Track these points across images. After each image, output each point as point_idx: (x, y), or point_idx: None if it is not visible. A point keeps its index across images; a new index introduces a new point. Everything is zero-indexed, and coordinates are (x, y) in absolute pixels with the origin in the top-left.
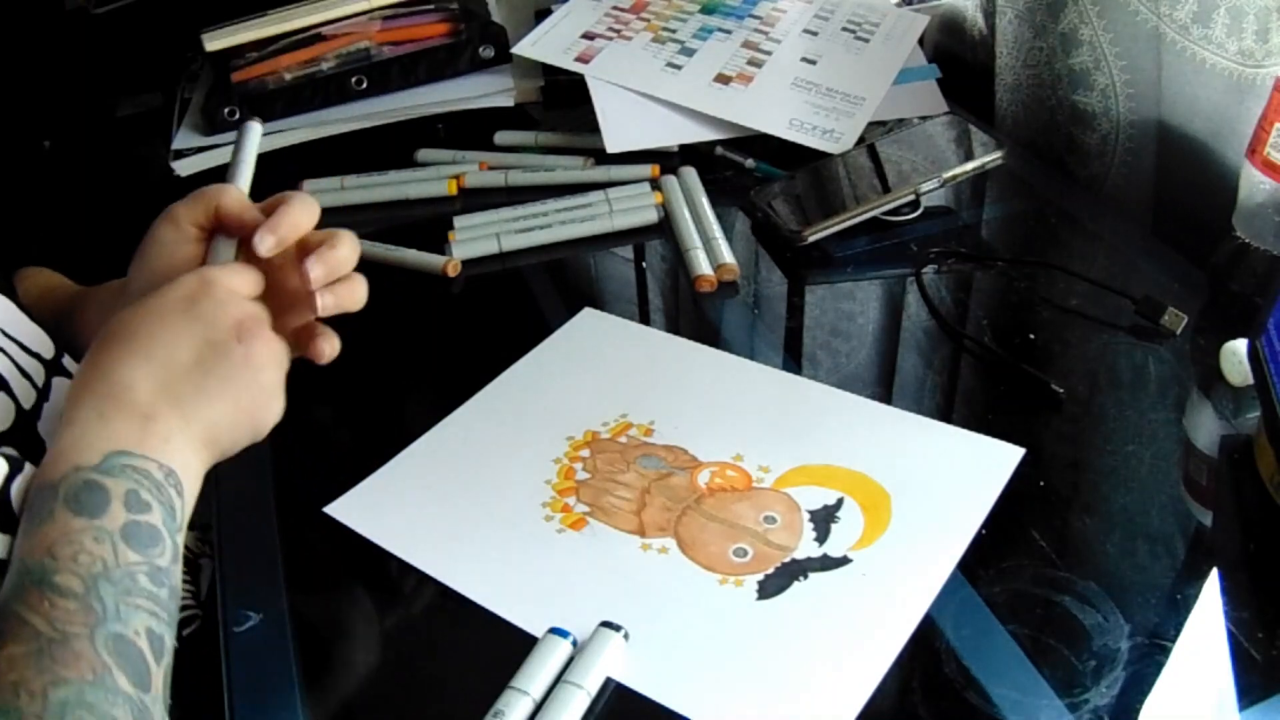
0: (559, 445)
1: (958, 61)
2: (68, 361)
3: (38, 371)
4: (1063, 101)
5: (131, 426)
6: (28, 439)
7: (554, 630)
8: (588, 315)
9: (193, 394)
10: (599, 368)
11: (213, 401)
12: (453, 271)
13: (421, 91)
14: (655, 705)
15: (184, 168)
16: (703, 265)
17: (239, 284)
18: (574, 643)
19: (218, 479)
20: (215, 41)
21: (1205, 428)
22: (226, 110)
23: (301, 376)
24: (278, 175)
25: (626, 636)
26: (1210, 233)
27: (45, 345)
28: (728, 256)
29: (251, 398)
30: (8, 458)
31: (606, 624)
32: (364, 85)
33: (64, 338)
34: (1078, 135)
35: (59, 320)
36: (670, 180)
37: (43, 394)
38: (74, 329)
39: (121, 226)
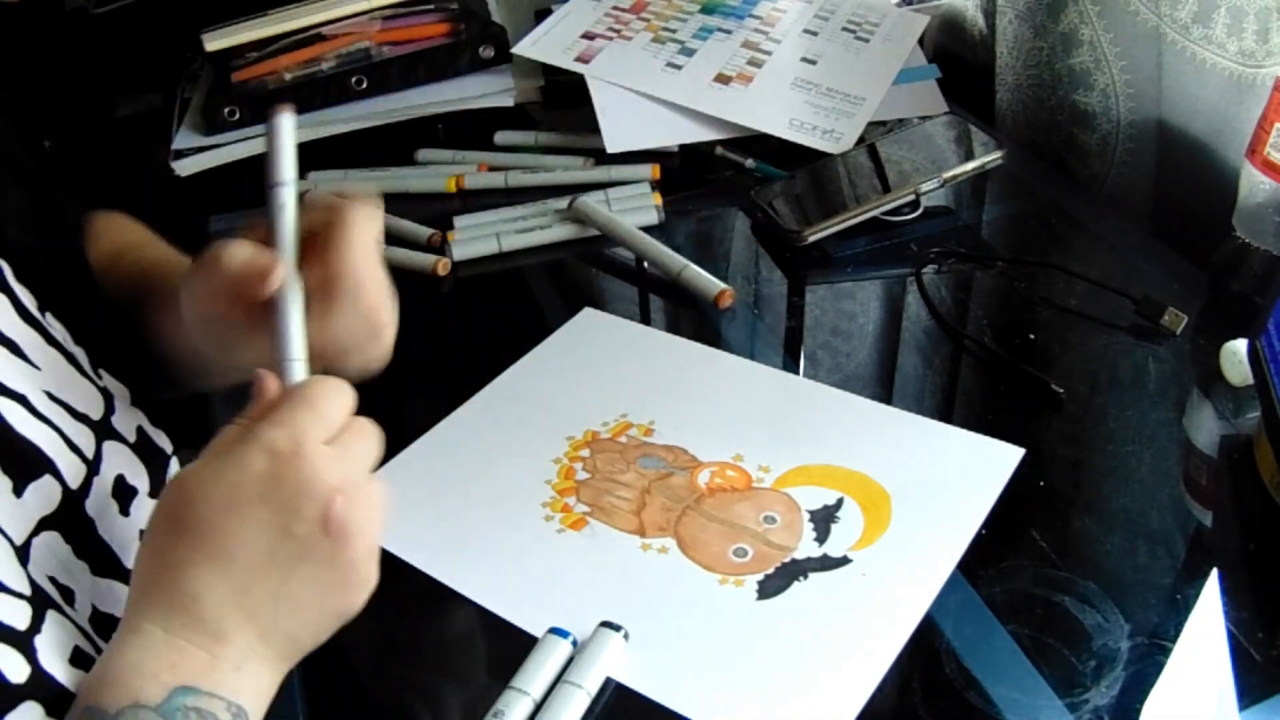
0: (559, 445)
1: (958, 61)
2: (116, 421)
3: (87, 440)
4: (1063, 101)
5: (199, 652)
6: (74, 520)
7: (554, 630)
8: (588, 315)
9: (270, 605)
10: (599, 368)
11: (294, 610)
12: (443, 271)
13: (421, 91)
14: (655, 705)
15: (184, 168)
16: (712, 283)
17: (335, 422)
18: (574, 643)
19: None
20: (215, 41)
21: (1205, 428)
22: (226, 110)
23: None
24: None
25: (626, 636)
26: (1210, 233)
27: (94, 403)
28: (719, 283)
29: (341, 597)
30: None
31: (606, 624)
32: (364, 85)
33: (147, 308)
34: (1078, 135)
35: (140, 285)
36: (595, 209)
37: (93, 467)
38: (171, 314)
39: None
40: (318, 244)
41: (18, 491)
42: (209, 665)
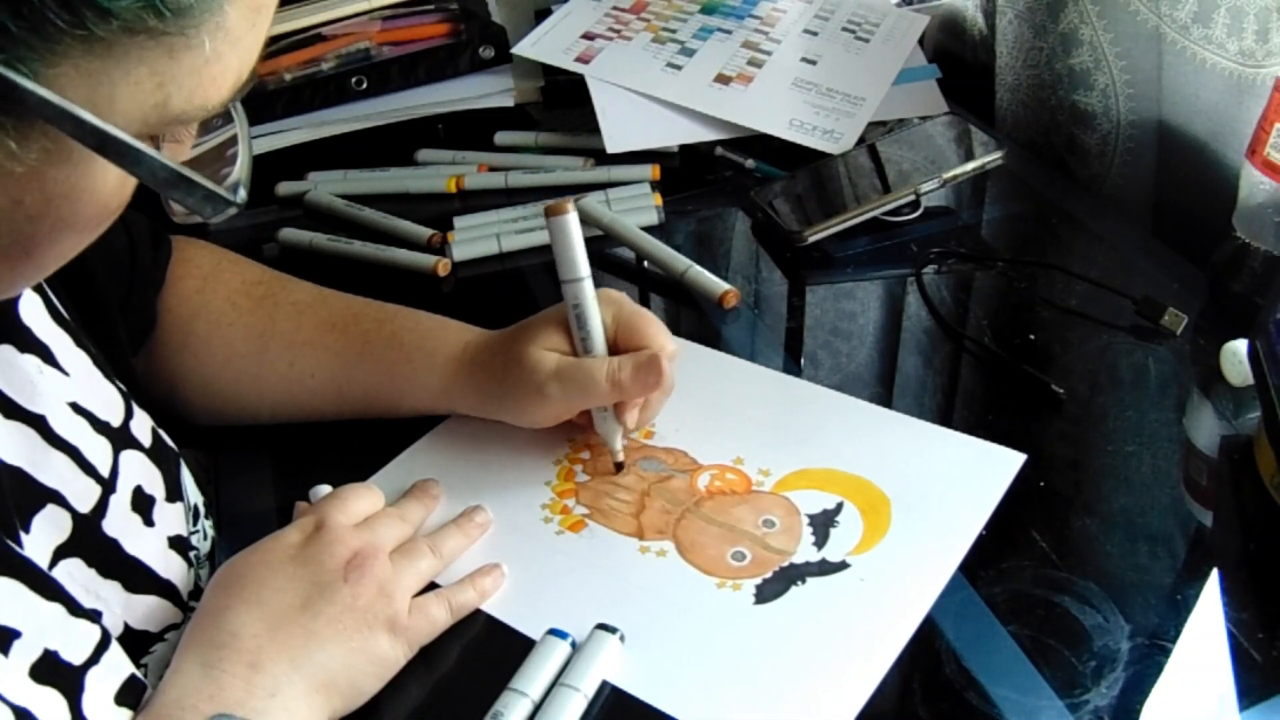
0: (559, 447)
1: (958, 61)
2: (134, 425)
3: (104, 455)
4: (1063, 101)
5: (236, 680)
6: (93, 543)
7: (553, 631)
8: None
9: (301, 638)
10: None
11: (323, 644)
12: (443, 271)
13: (421, 91)
14: (652, 709)
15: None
16: (716, 283)
17: (358, 512)
18: (573, 644)
19: (219, 483)
20: None
21: (1205, 428)
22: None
23: None
24: (278, 175)
25: (622, 639)
26: (1210, 233)
27: (115, 408)
28: (724, 283)
29: (363, 635)
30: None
31: (602, 626)
32: (364, 85)
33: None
34: (1078, 135)
35: (374, 341)
36: (598, 209)
37: (109, 485)
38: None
39: (118, 226)
40: (621, 334)
41: (24, 526)
42: (245, 692)
